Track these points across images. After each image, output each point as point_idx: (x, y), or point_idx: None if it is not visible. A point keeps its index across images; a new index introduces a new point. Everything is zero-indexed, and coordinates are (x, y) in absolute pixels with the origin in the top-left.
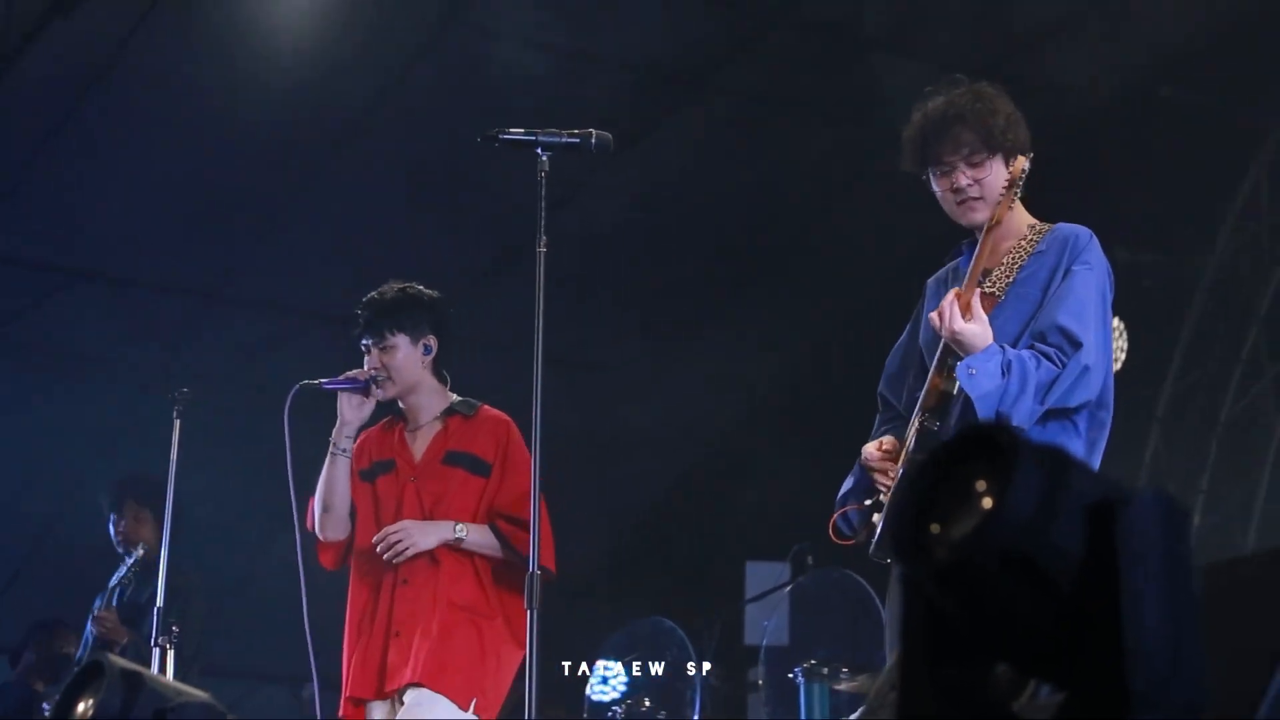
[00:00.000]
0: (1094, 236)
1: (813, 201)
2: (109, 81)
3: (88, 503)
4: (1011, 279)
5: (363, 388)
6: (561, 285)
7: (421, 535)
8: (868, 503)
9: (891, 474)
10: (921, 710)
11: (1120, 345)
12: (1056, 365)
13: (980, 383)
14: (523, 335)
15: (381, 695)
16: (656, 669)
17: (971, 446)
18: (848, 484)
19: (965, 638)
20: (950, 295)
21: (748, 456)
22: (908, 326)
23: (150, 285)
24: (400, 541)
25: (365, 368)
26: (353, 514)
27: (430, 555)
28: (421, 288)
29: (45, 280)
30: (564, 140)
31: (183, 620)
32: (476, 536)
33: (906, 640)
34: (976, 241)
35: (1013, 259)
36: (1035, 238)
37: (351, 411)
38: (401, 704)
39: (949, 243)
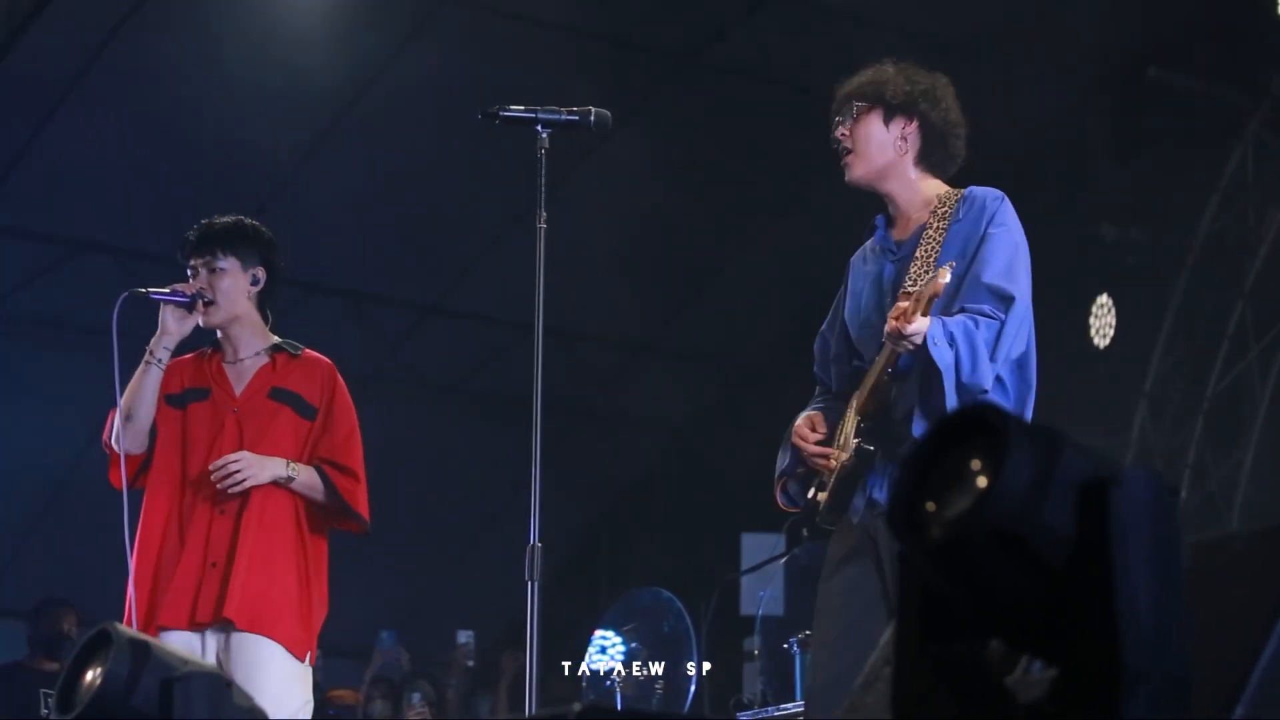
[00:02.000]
0: (1006, 199)
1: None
2: (115, 49)
3: (93, 476)
4: (932, 272)
5: (188, 302)
6: (559, 258)
7: (260, 469)
8: (801, 470)
9: (833, 459)
10: (916, 686)
11: (1109, 322)
12: (996, 320)
13: (941, 353)
14: (516, 309)
15: (192, 626)
16: (654, 639)
17: (966, 426)
18: (783, 461)
19: (959, 614)
20: (892, 316)
21: (741, 428)
22: (834, 306)
23: (154, 257)
24: (239, 471)
25: (190, 284)
26: (152, 434)
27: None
28: (257, 223)
29: (50, 252)
30: (564, 118)
31: None
32: (305, 478)
33: (902, 617)
34: (889, 215)
35: (929, 247)
36: (948, 208)
37: (175, 323)
38: (217, 640)
39: None
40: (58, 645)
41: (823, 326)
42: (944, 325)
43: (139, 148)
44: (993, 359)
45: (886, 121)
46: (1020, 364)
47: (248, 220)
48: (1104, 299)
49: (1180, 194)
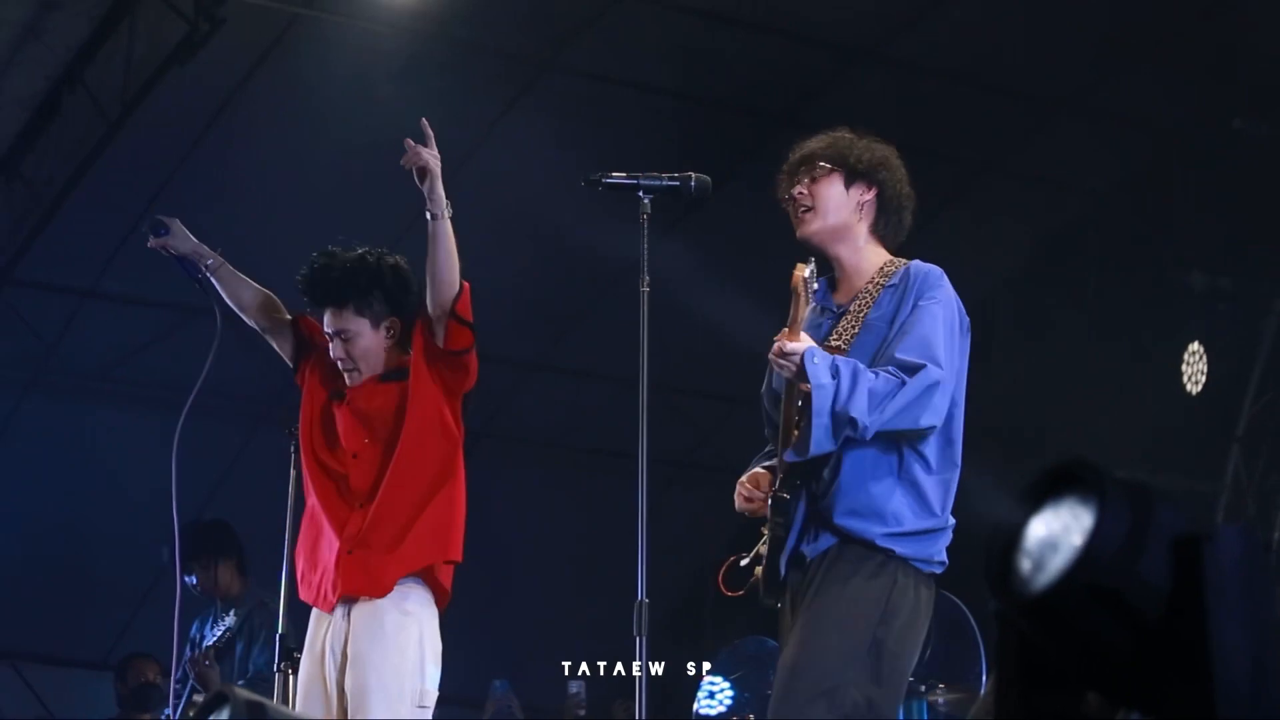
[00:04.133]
0: (944, 275)
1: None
2: (224, 124)
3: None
4: (858, 328)
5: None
6: (664, 310)
7: (437, 169)
8: (743, 562)
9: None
10: None
11: (1200, 368)
12: (897, 379)
13: (817, 371)
14: (617, 364)
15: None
16: (760, 687)
17: (1059, 483)
18: None
19: (1057, 666)
20: (776, 342)
21: None
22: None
23: None
24: (427, 156)
25: (330, 354)
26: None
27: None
28: (373, 257)
29: (166, 317)
30: (665, 183)
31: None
32: (449, 233)
33: (1001, 670)
34: (833, 278)
35: (861, 303)
36: (886, 275)
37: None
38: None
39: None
40: (145, 696)
41: (763, 388)
42: (832, 359)
43: (247, 217)
44: (882, 410)
45: (847, 185)
46: (945, 442)
47: (366, 261)
48: (1195, 346)
49: (1267, 242)
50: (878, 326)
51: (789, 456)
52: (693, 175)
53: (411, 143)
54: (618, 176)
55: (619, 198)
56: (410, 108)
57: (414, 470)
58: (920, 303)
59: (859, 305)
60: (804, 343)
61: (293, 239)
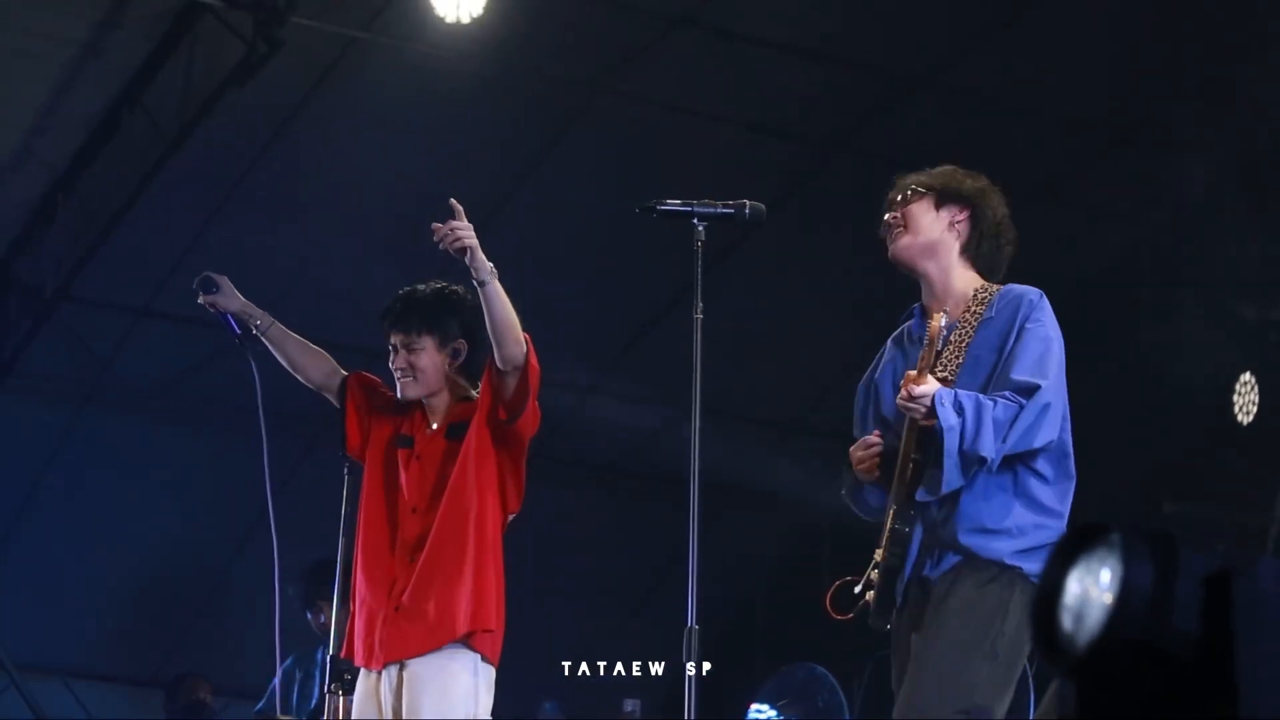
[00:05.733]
0: (1044, 297)
1: None
2: (281, 145)
3: (257, 554)
4: (961, 359)
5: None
6: (712, 341)
7: (475, 242)
8: (856, 589)
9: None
10: None
11: (1251, 399)
12: (1015, 404)
13: (946, 414)
14: (670, 390)
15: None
16: (808, 715)
17: (1087, 539)
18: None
19: (1110, 708)
20: (904, 383)
21: None
22: (869, 371)
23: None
24: (462, 234)
25: (391, 365)
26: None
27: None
28: (459, 289)
29: (221, 337)
30: (719, 211)
31: None
32: (501, 294)
33: (1059, 703)
34: (924, 304)
35: (961, 333)
36: (980, 306)
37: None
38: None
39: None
40: (196, 712)
41: (862, 382)
42: (955, 394)
43: (303, 238)
44: (1005, 439)
45: (938, 206)
46: (1059, 455)
47: (449, 289)
48: (1247, 377)
49: None
50: (983, 358)
51: (921, 495)
52: (747, 203)
53: (439, 225)
54: (672, 204)
55: (673, 225)
56: (466, 130)
57: (466, 532)
58: (1028, 325)
59: (959, 335)
60: (932, 385)
61: (349, 260)
